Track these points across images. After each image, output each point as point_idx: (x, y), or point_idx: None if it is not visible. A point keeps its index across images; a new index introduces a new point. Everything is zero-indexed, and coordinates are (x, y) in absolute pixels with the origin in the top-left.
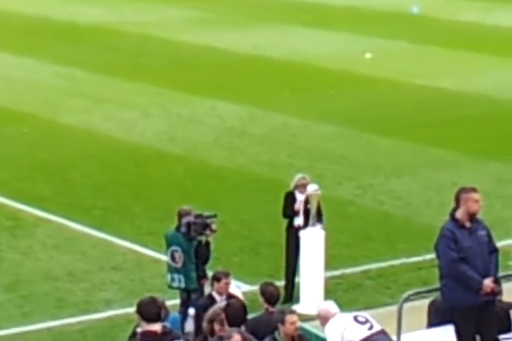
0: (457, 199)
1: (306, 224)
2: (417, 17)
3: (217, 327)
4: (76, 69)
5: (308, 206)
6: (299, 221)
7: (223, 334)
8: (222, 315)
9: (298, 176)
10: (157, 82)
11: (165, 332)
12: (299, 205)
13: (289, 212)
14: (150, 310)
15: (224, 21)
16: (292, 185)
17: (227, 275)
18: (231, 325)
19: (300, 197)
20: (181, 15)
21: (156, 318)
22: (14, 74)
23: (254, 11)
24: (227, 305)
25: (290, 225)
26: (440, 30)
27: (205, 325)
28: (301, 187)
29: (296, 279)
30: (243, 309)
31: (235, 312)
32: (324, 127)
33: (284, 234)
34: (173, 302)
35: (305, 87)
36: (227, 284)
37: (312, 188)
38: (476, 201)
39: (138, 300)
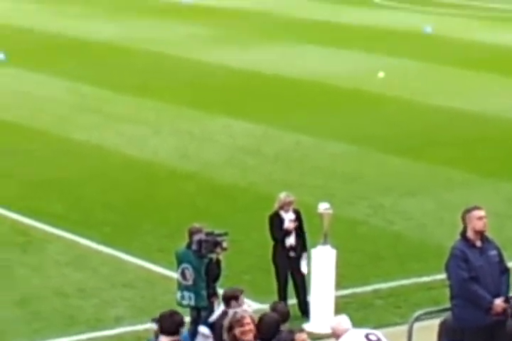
0: (463, 220)
1: (297, 243)
2: (430, 36)
3: (237, 330)
4: (87, 85)
5: (296, 224)
6: (290, 241)
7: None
8: (247, 319)
9: (282, 194)
10: (168, 100)
11: None
12: (289, 224)
13: (279, 234)
14: (167, 323)
15: (236, 39)
16: (277, 205)
17: (242, 292)
18: (262, 338)
19: (288, 216)
20: (192, 33)
21: (171, 332)
22: (26, 90)
23: (265, 28)
24: (261, 318)
25: (281, 246)
26: (453, 50)
27: (225, 336)
28: (288, 204)
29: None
30: (277, 323)
31: (269, 326)
32: (336, 146)
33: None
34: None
35: (318, 106)
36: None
37: (324, 207)
38: (481, 218)
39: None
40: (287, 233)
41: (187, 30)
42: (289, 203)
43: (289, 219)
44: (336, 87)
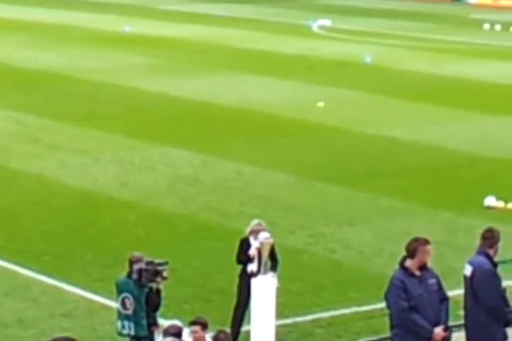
0: (412, 251)
1: (259, 271)
2: (369, 66)
3: None
4: (28, 114)
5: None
6: (252, 267)
7: None
8: None
9: (254, 222)
10: (109, 128)
11: None
12: (254, 251)
13: (243, 258)
14: None
15: (176, 68)
16: (247, 231)
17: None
18: None
19: (255, 244)
20: (134, 62)
21: None
22: None
23: (205, 58)
24: None
25: (243, 271)
26: (393, 80)
27: None
28: (256, 233)
29: (247, 327)
30: None
31: None
32: (277, 175)
33: (236, 280)
34: None
35: (257, 134)
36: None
37: (264, 236)
38: (429, 252)
39: None
40: (249, 259)
41: (127, 59)
42: (257, 231)
43: (255, 246)
44: (275, 116)
